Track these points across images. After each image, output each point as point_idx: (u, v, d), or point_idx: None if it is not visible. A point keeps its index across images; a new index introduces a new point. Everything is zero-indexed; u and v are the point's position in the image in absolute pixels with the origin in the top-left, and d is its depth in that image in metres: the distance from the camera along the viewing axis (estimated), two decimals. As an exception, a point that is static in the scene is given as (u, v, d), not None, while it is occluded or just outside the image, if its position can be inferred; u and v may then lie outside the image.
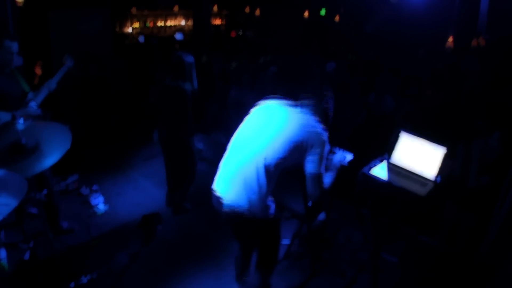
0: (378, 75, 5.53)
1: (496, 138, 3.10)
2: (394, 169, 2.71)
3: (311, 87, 2.30)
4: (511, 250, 2.91)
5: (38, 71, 4.84)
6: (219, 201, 2.18)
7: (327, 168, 2.25)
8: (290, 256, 3.28)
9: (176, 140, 3.54)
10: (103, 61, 5.66)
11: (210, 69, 6.51)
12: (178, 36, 9.47)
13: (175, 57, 3.37)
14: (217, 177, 2.27)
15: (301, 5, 11.23)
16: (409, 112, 4.52)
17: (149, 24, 10.40)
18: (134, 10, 9.92)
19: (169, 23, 10.89)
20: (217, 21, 11.84)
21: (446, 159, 2.57)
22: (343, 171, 2.39)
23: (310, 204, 3.04)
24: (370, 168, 2.71)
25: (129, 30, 9.91)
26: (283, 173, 2.15)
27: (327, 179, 2.22)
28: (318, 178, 2.10)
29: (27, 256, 2.99)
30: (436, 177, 2.57)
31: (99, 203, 3.88)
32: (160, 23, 10.68)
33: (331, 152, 2.54)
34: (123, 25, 9.79)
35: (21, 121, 2.33)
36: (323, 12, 11.50)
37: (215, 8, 11.12)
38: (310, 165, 2.09)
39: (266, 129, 2.11)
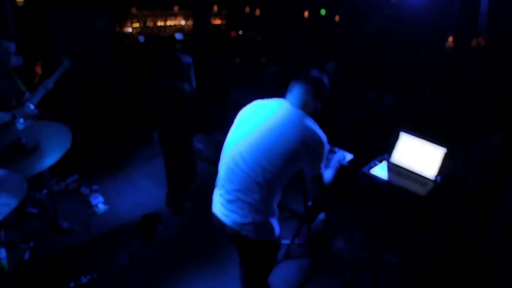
0: (377, 74, 5.53)
1: (498, 138, 3.09)
2: (394, 168, 2.71)
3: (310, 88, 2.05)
4: (511, 250, 2.91)
5: (39, 70, 4.84)
6: (222, 224, 2.06)
7: (326, 166, 2.20)
8: (290, 256, 3.28)
9: (175, 141, 3.54)
10: (103, 61, 5.67)
11: (210, 69, 6.52)
12: (178, 36, 9.48)
13: (173, 57, 3.36)
14: (215, 198, 2.14)
15: (301, 5, 11.23)
16: (409, 112, 4.52)
17: (149, 24, 10.41)
18: (134, 10, 9.92)
19: (169, 23, 10.90)
20: (217, 21, 11.85)
21: (446, 159, 2.57)
22: (343, 171, 2.39)
23: (310, 204, 3.05)
24: (370, 167, 2.71)
25: (129, 30, 9.92)
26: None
27: (328, 176, 2.16)
28: (318, 179, 2.06)
29: (27, 256, 2.99)
30: (436, 177, 2.57)
31: (99, 203, 3.88)
32: (160, 23, 10.68)
33: (331, 151, 2.54)
34: (123, 25, 9.79)
35: (21, 121, 2.33)
36: (323, 12, 11.50)
37: (215, 8, 11.12)
38: (309, 171, 2.02)
39: (263, 142, 1.93)
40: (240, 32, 11.15)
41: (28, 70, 4.60)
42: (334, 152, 2.55)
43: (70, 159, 2.85)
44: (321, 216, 3.80)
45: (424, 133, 2.71)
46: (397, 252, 3.31)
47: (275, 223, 2.05)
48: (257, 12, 11.29)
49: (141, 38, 9.22)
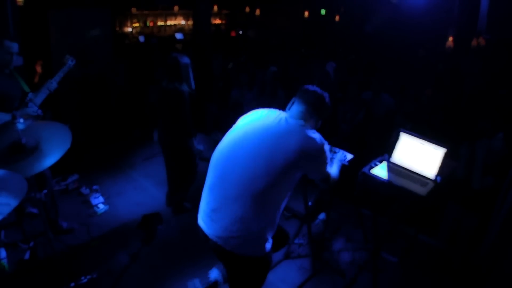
0: (375, 74, 5.54)
1: (500, 138, 3.09)
2: (394, 168, 2.71)
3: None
4: (511, 250, 2.91)
5: (39, 68, 4.84)
6: (205, 236, 1.91)
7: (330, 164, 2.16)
8: (290, 256, 3.28)
9: (174, 142, 3.54)
10: (103, 61, 5.66)
11: (210, 69, 6.52)
12: (179, 36, 9.48)
13: (170, 58, 3.35)
14: (201, 207, 1.99)
15: (301, 5, 11.23)
16: (409, 112, 4.52)
17: (149, 23, 10.41)
18: (134, 10, 9.92)
19: (169, 22, 10.90)
20: (217, 21, 11.85)
21: (446, 159, 2.57)
22: (343, 170, 2.39)
23: (310, 204, 3.05)
24: (370, 167, 2.71)
25: (129, 29, 9.92)
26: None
27: (334, 172, 2.13)
28: (327, 179, 2.04)
29: (27, 256, 2.99)
30: (437, 177, 2.57)
31: (99, 203, 3.87)
32: (160, 23, 10.69)
33: (332, 151, 2.55)
34: (123, 24, 9.79)
35: (21, 120, 2.33)
36: (323, 12, 11.51)
37: (215, 8, 11.12)
38: (316, 175, 1.97)
39: (258, 152, 1.81)
40: (240, 32, 11.16)
41: (28, 70, 4.61)
42: (334, 152, 2.56)
43: (70, 159, 2.86)
44: (321, 216, 3.81)
45: (425, 133, 2.72)
46: (397, 252, 3.31)
47: (265, 238, 1.85)
48: (257, 12, 11.29)
49: (141, 38, 9.22)
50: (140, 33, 9.84)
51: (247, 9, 11.58)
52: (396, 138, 2.80)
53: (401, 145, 2.77)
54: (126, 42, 9.22)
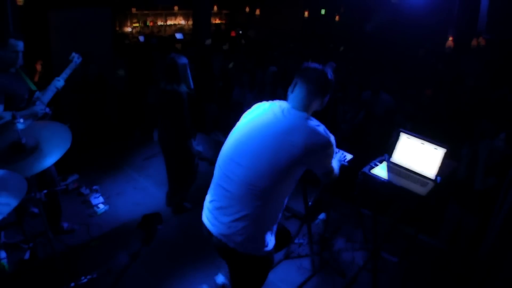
0: (374, 74, 5.53)
1: (502, 138, 3.08)
2: (394, 168, 2.71)
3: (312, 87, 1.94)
4: (511, 251, 2.91)
5: (39, 68, 4.83)
6: (209, 233, 1.92)
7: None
8: (290, 256, 3.28)
9: (173, 143, 3.54)
10: (103, 61, 5.66)
11: (210, 69, 6.51)
12: (179, 35, 9.48)
13: (168, 59, 3.35)
14: (205, 205, 2.00)
15: (301, 4, 11.24)
16: (409, 112, 4.52)
17: (149, 23, 10.42)
18: (134, 10, 9.93)
19: (169, 22, 10.91)
20: (217, 21, 11.86)
21: (446, 159, 2.57)
22: (343, 170, 2.39)
23: (310, 204, 3.05)
24: (370, 167, 2.71)
25: (129, 29, 9.93)
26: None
27: (336, 168, 2.10)
28: (329, 173, 1.99)
29: (27, 256, 2.99)
30: (437, 177, 2.57)
31: (99, 203, 3.87)
32: (160, 23, 10.70)
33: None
34: (123, 24, 9.80)
35: (21, 120, 2.33)
36: (323, 12, 11.52)
37: (215, 8, 11.13)
38: (320, 169, 1.94)
39: (263, 149, 1.79)
40: (240, 32, 11.15)
41: (28, 70, 4.60)
42: (335, 152, 2.56)
43: (70, 159, 2.85)
44: (321, 216, 3.81)
45: (425, 133, 2.71)
46: (397, 252, 3.31)
47: (269, 236, 1.87)
48: (257, 12, 11.29)
49: (141, 38, 9.22)
50: (140, 33, 9.85)
51: (247, 9, 11.59)
52: (396, 138, 2.79)
53: (401, 145, 2.77)
54: (126, 42, 9.23)
